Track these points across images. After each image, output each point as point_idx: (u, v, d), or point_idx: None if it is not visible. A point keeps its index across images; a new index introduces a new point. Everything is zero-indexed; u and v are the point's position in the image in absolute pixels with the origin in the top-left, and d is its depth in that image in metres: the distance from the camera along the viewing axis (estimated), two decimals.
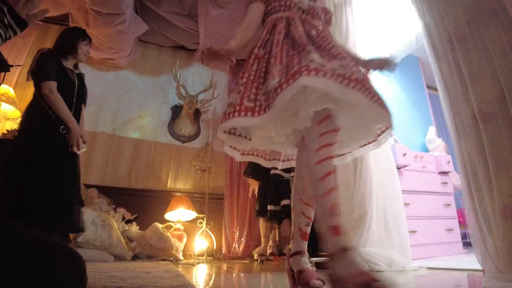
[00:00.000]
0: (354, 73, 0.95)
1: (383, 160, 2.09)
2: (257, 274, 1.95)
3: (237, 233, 3.63)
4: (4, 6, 0.67)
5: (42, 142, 1.87)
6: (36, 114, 1.91)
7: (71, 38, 2.08)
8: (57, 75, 1.92)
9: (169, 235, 3.11)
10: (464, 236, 3.05)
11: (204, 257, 3.06)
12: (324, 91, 0.95)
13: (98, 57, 3.69)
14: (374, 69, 1.33)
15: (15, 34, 0.71)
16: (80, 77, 2.13)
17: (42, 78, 1.88)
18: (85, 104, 2.13)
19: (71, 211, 1.90)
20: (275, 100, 0.95)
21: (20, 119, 1.98)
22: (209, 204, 3.35)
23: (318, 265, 1.84)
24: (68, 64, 2.08)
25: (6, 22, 0.67)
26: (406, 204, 2.22)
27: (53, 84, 1.88)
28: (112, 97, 3.83)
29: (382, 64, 1.32)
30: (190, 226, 3.49)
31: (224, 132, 1.19)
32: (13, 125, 3.20)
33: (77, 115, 2.04)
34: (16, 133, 2.02)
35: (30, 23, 0.73)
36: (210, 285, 1.51)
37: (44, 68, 1.89)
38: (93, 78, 3.64)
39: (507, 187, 1.16)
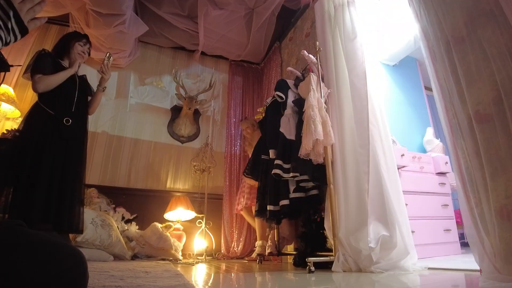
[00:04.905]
0: None
1: (388, 160, 2.10)
2: (256, 274, 1.96)
3: (236, 233, 3.63)
4: (10, 10, 0.67)
5: (42, 140, 1.88)
6: (37, 113, 1.98)
7: (64, 39, 2.22)
8: (52, 70, 2.01)
9: (169, 234, 3.11)
10: (461, 236, 3.06)
11: (203, 256, 3.07)
12: None
13: (98, 58, 3.69)
14: None
15: (16, 39, 0.71)
16: (82, 77, 2.24)
17: (33, 72, 1.98)
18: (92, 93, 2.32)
19: (71, 211, 1.91)
20: None
21: (22, 119, 2.05)
22: (208, 204, 3.35)
23: (317, 265, 1.85)
24: (66, 64, 2.13)
25: (9, 26, 0.67)
26: None
27: (40, 75, 1.97)
28: (112, 97, 3.84)
29: None
30: (189, 226, 3.50)
31: None
32: (13, 124, 3.20)
33: (81, 107, 2.14)
34: (17, 133, 2.07)
35: (30, 29, 0.73)
36: (209, 284, 1.52)
37: (34, 65, 2.00)
38: (93, 78, 3.65)
39: (503, 188, 1.17)
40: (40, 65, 1.99)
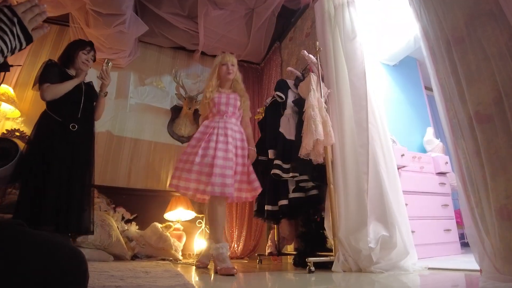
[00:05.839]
0: None
1: (387, 160, 2.10)
2: (256, 274, 1.96)
3: (236, 233, 3.63)
4: (14, 17, 0.69)
5: (49, 145, 1.93)
6: (45, 121, 2.05)
7: (68, 49, 2.28)
8: (58, 79, 2.08)
9: (169, 234, 3.11)
10: (461, 236, 3.07)
11: None
12: None
13: (98, 58, 3.69)
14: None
15: (21, 46, 0.73)
16: (89, 84, 2.31)
17: (40, 82, 2.05)
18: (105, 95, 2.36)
19: (79, 213, 1.94)
20: None
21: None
22: None
23: (316, 265, 1.85)
24: (72, 72, 2.23)
25: (15, 32, 0.69)
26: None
27: (47, 84, 2.04)
28: (112, 97, 3.83)
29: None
30: (189, 226, 3.50)
31: None
32: (13, 124, 3.21)
33: (87, 113, 2.19)
34: (28, 138, 2.13)
35: (34, 38, 0.76)
36: (209, 284, 1.52)
37: (41, 75, 2.08)
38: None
39: (504, 188, 1.17)
40: (47, 75, 2.07)
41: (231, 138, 2.08)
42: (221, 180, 1.92)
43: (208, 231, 3.24)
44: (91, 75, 2.45)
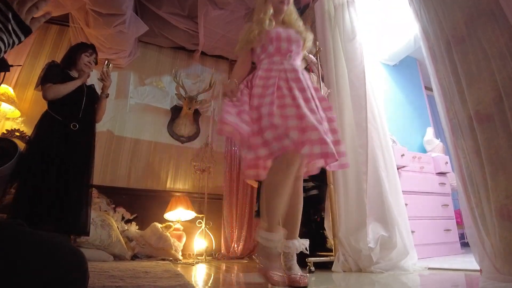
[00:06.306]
0: None
1: (387, 160, 2.10)
2: (256, 274, 1.96)
3: (236, 233, 3.63)
4: (9, 12, 0.66)
5: (49, 144, 1.93)
6: (46, 120, 2.07)
7: (71, 51, 2.31)
8: (60, 79, 2.10)
9: (169, 234, 3.11)
10: (461, 236, 3.07)
11: (203, 257, 3.07)
12: None
13: (98, 59, 3.70)
14: None
15: (19, 40, 0.70)
16: (91, 87, 2.33)
17: (42, 82, 2.08)
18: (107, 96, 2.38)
19: (77, 213, 1.94)
20: None
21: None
22: (208, 204, 3.35)
23: (317, 265, 1.85)
24: (75, 74, 2.25)
25: (10, 28, 0.66)
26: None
27: (50, 84, 2.06)
28: (112, 97, 3.83)
29: None
30: (189, 226, 3.49)
31: None
32: (13, 124, 3.21)
33: (88, 114, 2.21)
34: (28, 138, 2.14)
35: (33, 28, 0.71)
36: (209, 285, 1.52)
37: (44, 75, 2.10)
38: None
39: (504, 188, 1.17)
40: (49, 75, 2.09)
41: (305, 84, 1.47)
42: (318, 135, 1.30)
43: (208, 232, 3.24)
44: (92, 78, 2.45)
